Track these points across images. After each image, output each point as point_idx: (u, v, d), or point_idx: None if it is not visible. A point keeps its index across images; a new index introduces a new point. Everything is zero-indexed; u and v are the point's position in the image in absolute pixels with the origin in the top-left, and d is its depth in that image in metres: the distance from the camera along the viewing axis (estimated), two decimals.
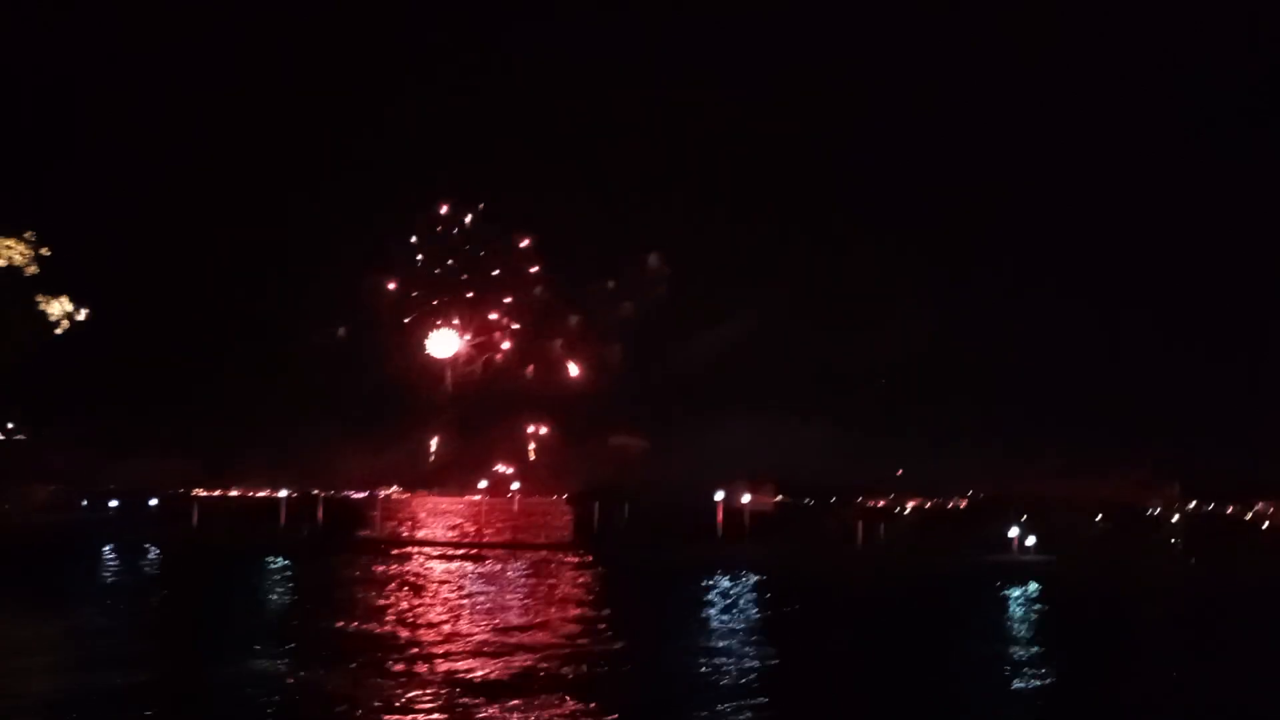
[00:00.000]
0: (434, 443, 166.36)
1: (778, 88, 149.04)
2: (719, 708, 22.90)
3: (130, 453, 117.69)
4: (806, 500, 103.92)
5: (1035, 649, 33.02)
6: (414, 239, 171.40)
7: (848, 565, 58.38)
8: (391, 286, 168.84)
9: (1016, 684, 27.11)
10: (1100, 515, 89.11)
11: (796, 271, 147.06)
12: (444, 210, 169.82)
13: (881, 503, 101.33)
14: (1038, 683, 27.44)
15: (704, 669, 27.31)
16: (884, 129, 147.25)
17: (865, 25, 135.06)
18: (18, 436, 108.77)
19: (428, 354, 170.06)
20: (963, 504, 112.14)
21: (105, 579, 51.18)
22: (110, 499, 77.03)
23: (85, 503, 79.15)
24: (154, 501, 75.03)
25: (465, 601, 41.20)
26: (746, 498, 70.37)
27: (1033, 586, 51.84)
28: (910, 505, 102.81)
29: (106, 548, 62.05)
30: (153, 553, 61.95)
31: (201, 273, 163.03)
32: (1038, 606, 45.63)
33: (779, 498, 79.15)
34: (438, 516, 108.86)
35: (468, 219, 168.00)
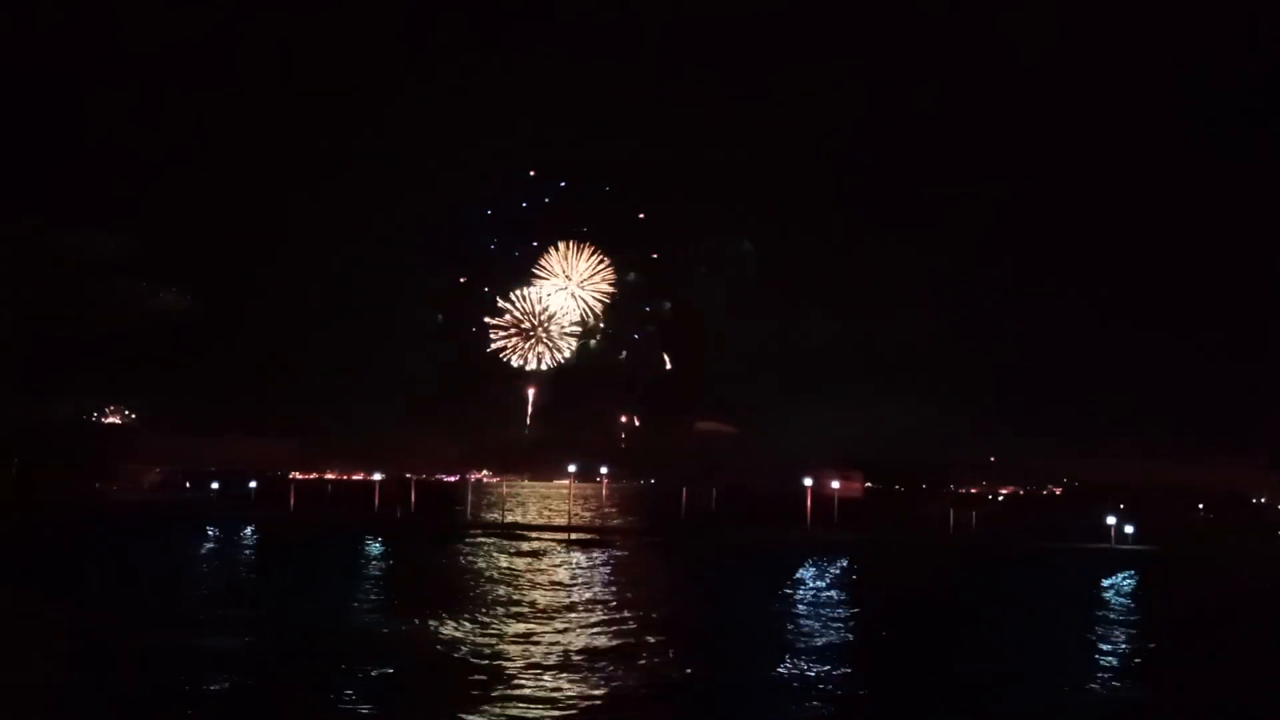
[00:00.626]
0: (525, 428, 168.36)
1: (859, 79, 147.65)
2: (808, 705, 22.81)
3: (233, 436, 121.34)
4: (896, 486, 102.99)
5: (1136, 645, 31.94)
6: (499, 224, 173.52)
7: (938, 553, 57.56)
8: (480, 278, 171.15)
9: (1116, 682, 26.27)
10: (1201, 504, 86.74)
11: (888, 255, 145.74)
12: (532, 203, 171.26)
13: (974, 489, 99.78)
14: (1138, 680, 26.58)
15: (792, 658, 27.11)
16: (964, 115, 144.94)
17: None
18: (131, 419, 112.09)
19: (519, 341, 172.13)
20: (1058, 491, 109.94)
21: (205, 558, 52.61)
22: (212, 481, 79.30)
23: (189, 484, 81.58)
24: (253, 484, 76.93)
25: (557, 585, 41.51)
26: (835, 484, 69.89)
27: (1131, 577, 50.55)
28: (1003, 492, 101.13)
29: (210, 528, 63.88)
30: (250, 533, 63.61)
31: (303, 262, 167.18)
32: (1137, 598, 44.39)
33: (867, 484, 78.48)
34: (527, 500, 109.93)
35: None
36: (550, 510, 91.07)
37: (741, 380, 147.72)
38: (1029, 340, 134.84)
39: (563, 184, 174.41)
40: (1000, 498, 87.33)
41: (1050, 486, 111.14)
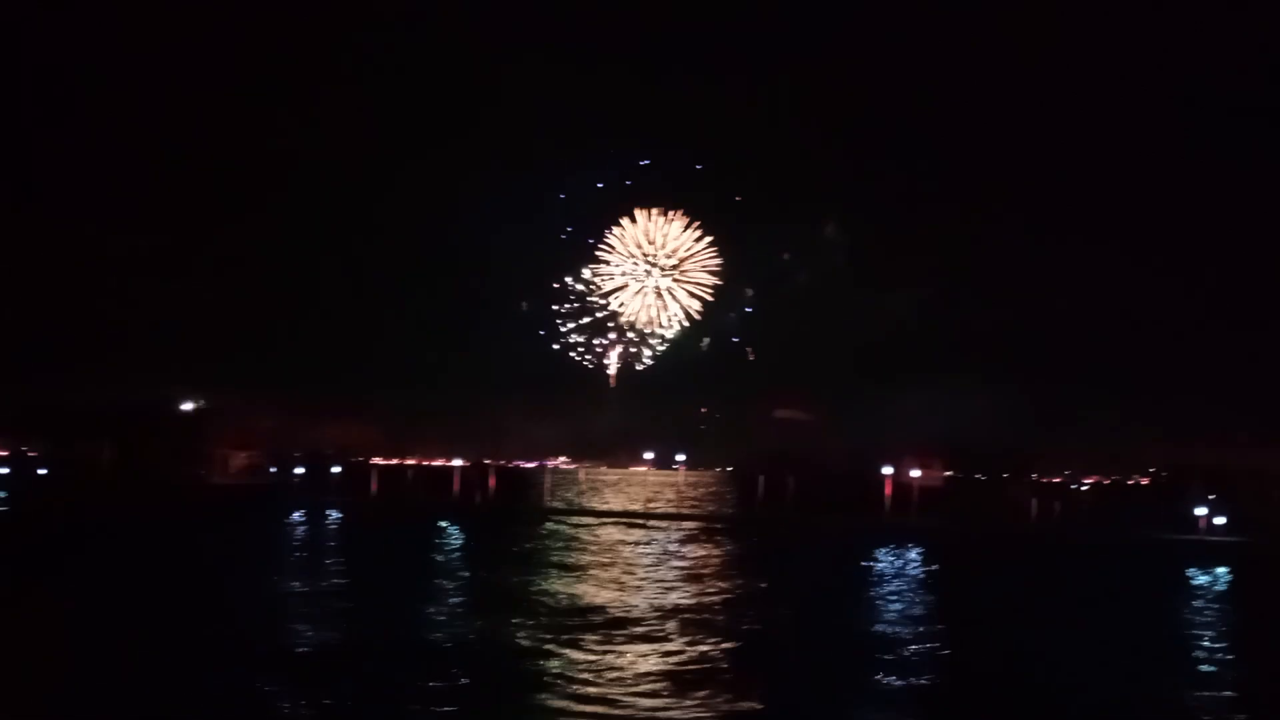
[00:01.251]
0: (605, 415, 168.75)
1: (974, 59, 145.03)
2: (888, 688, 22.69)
3: (319, 421, 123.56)
4: (977, 475, 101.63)
5: (1226, 643, 30.93)
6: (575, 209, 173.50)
7: (1019, 543, 56.70)
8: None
9: (1206, 686, 25.31)
10: None
11: (969, 238, 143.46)
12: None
13: (1057, 478, 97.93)
14: (1229, 684, 25.55)
15: (869, 649, 26.95)
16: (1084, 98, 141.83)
17: None
18: (219, 405, 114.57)
19: (603, 328, 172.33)
20: (1144, 480, 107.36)
21: (294, 541, 53.84)
22: (297, 465, 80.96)
23: (274, 469, 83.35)
24: (337, 468, 78.48)
25: (635, 570, 41.74)
26: (915, 472, 69.19)
27: (1223, 571, 49.23)
28: (1088, 481, 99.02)
29: (296, 512, 65.34)
30: (334, 517, 64.97)
31: (391, 249, 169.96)
32: (1229, 593, 43.25)
33: (948, 472, 77.48)
34: (605, 486, 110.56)
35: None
36: (627, 495, 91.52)
37: (821, 366, 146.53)
38: (1118, 325, 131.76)
39: (645, 162, 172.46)
40: (1085, 486, 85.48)
41: (1137, 475, 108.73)
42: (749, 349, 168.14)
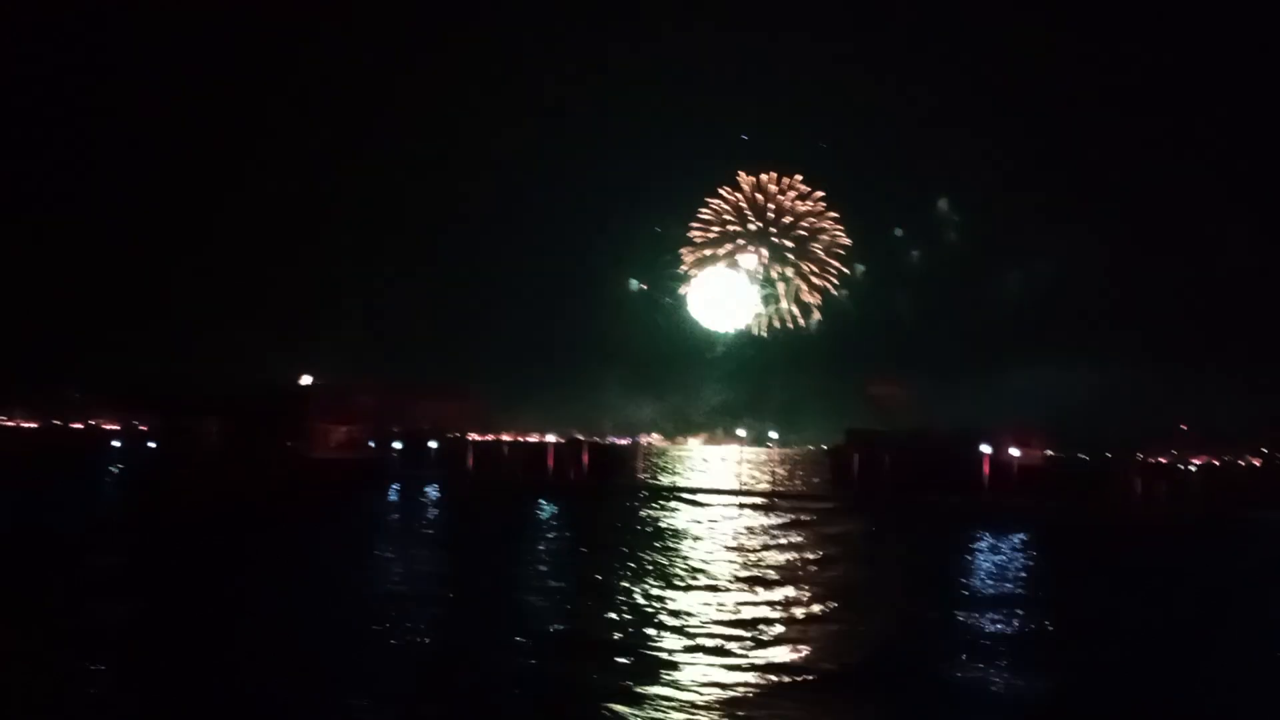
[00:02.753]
0: (704, 394, 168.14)
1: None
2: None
3: (418, 397, 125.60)
4: (1080, 455, 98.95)
5: None
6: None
7: (1123, 525, 55.18)
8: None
9: None
10: None
11: (1076, 213, 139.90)
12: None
13: (1163, 459, 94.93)
14: None
15: (962, 631, 26.47)
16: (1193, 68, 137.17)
17: None
18: (323, 382, 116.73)
19: (704, 306, 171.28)
20: (1257, 462, 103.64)
21: (396, 516, 54.84)
22: (394, 440, 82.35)
23: (372, 444, 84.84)
24: (433, 444, 79.66)
25: (723, 548, 41.62)
26: (1015, 451, 67.66)
27: None
28: (1196, 463, 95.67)
29: (393, 486, 66.57)
30: (432, 492, 66.00)
31: (491, 227, 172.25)
32: None
33: (1048, 451, 75.53)
34: (696, 463, 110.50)
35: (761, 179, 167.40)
36: (719, 472, 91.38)
37: (921, 342, 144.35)
38: (1227, 303, 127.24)
39: (744, 137, 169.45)
40: (1193, 468, 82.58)
41: (1249, 457, 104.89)
42: (853, 312, 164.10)
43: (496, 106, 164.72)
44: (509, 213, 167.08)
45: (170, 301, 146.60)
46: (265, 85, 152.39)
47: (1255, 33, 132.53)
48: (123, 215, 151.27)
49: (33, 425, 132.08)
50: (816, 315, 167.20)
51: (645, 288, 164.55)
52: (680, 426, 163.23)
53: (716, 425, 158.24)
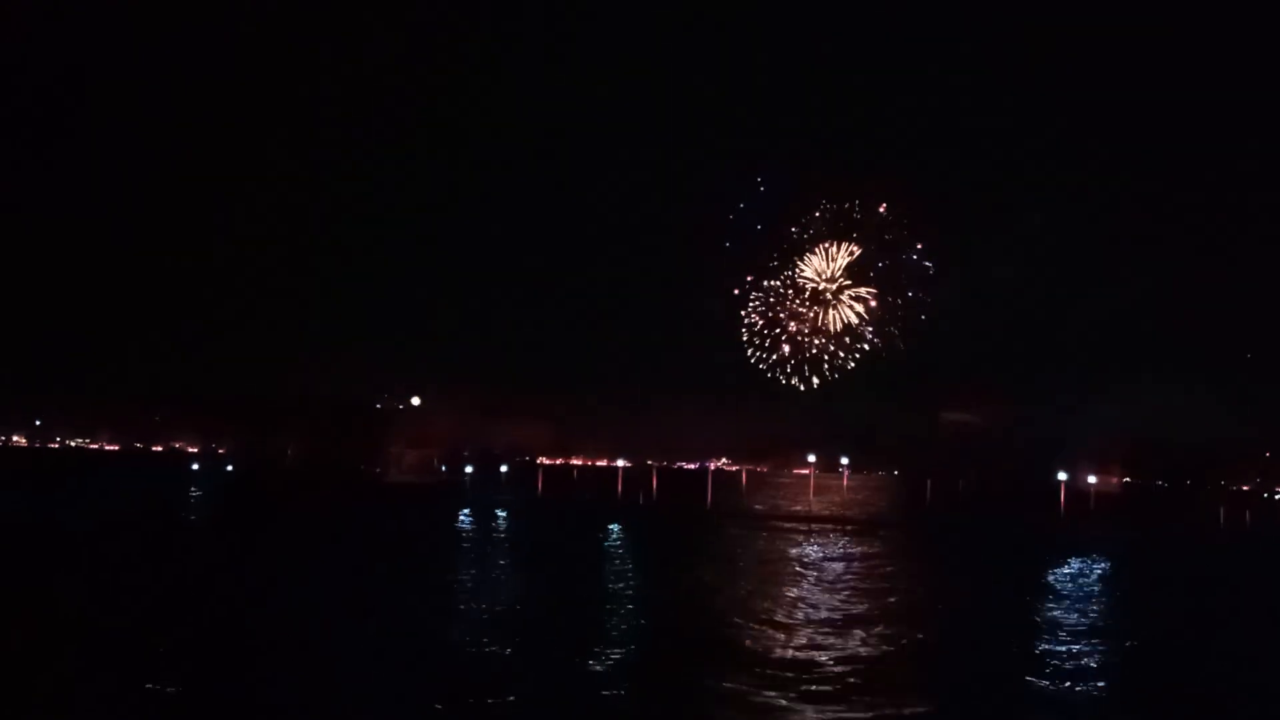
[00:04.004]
0: (770, 417, 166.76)
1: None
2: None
3: (491, 421, 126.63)
4: (1159, 481, 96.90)
5: None
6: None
7: (1203, 554, 53.81)
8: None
9: None
10: None
11: (1154, 233, 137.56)
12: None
13: (1246, 486, 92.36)
14: None
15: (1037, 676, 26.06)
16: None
17: None
18: (398, 404, 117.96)
19: (771, 331, 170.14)
20: None
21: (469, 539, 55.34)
22: (466, 464, 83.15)
23: (444, 468, 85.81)
24: (504, 468, 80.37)
25: (789, 572, 41.42)
26: (1092, 479, 66.51)
27: None
28: None
29: (464, 511, 67.11)
30: (502, 516, 66.51)
31: (569, 253, 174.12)
32: None
33: (1125, 478, 74.15)
34: (767, 489, 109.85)
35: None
36: (790, 500, 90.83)
37: (994, 369, 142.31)
38: None
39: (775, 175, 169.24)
40: (1278, 496, 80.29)
41: None
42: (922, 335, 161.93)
43: (574, 132, 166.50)
44: (590, 237, 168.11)
45: (248, 319, 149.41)
46: (324, 90, 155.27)
47: None
48: (199, 231, 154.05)
49: (114, 448, 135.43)
50: (901, 342, 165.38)
51: (719, 308, 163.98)
52: (750, 452, 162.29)
53: (787, 451, 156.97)
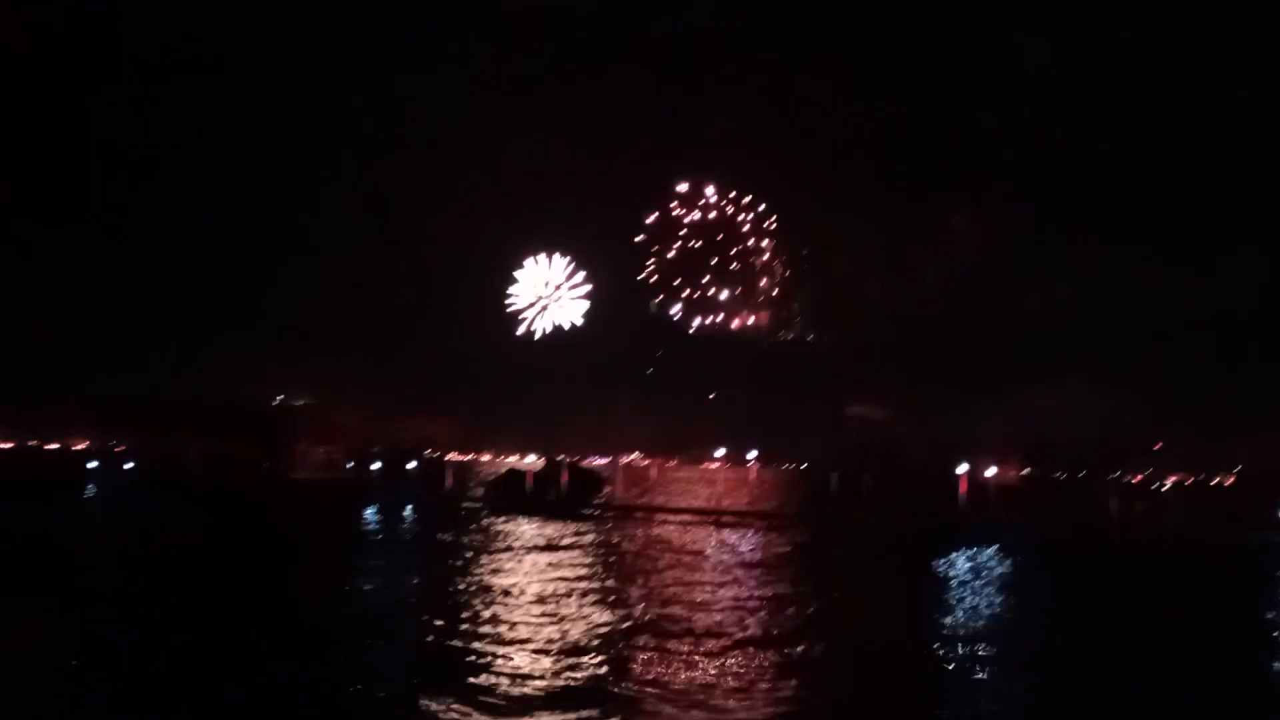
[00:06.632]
0: (680, 411, 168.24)
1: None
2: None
3: (399, 418, 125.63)
4: (1057, 473, 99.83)
5: None
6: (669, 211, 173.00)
7: (1100, 544, 55.56)
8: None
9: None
10: None
11: (1051, 229, 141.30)
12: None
13: (1139, 477, 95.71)
14: None
15: (937, 653, 26.66)
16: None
17: None
18: (302, 402, 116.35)
19: (674, 325, 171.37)
20: (1229, 480, 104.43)
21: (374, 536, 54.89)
22: (373, 461, 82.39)
23: (351, 464, 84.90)
24: (412, 464, 79.73)
25: (699, 567, 41.78)
26: (992, 470, 68.25)
27: None
28: (1171, 480, 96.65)
29: (370, 508, 66.54)
30: (409, 512, 66.06)
31: (466, 250, 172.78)
32: None
33: (1025, 470, 76.23)
34: (677, 484, 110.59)
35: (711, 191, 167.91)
36: (700, 492, 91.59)
37: (897, 363, 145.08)
38: (1200, 319, 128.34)
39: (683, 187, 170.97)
40: (1166, 486, 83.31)
41: (1222, 474, 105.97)
42: (818, 333, 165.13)
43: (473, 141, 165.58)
44: (489, 231, 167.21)
45: (149, 317, 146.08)
46: (253, 95, 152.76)
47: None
48: (98, 227, 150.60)
49: (7, 445, 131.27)
50: (811, 334, 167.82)
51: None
52: (660, 446, 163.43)
53: (696, 444, 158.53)
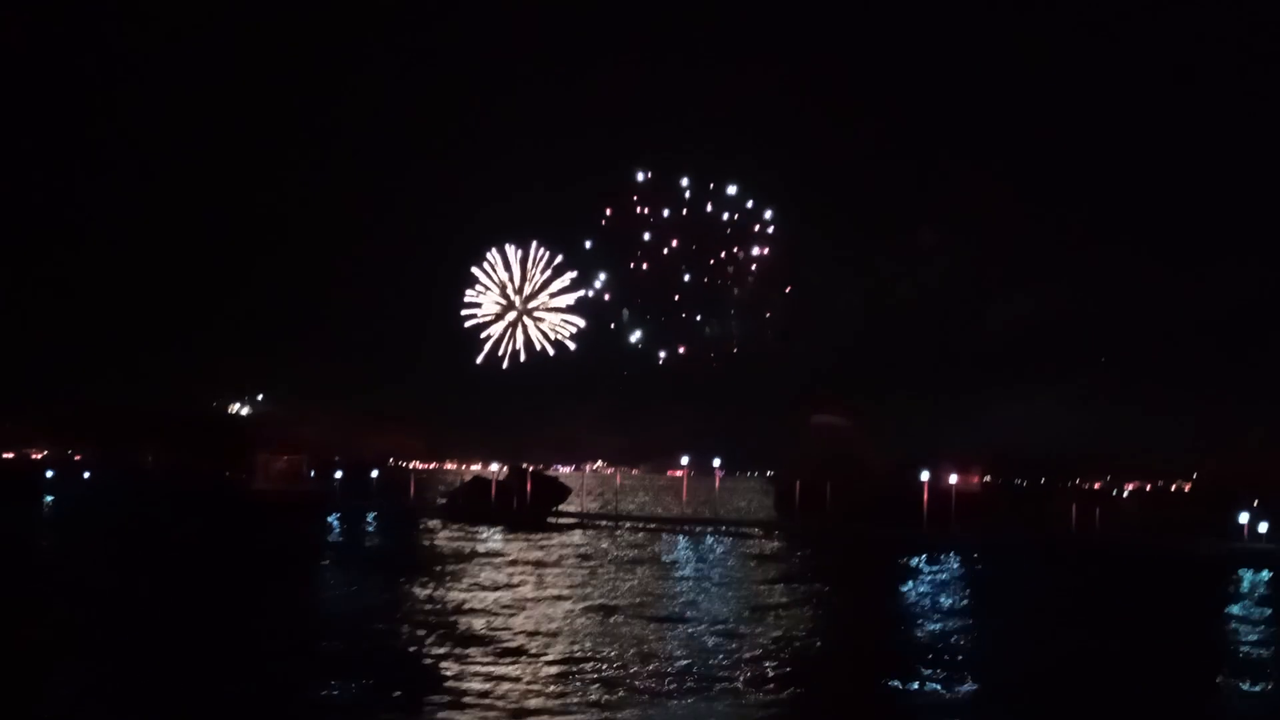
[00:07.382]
0: (645, 420, 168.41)
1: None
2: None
3: (362, 428, 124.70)
4: (1017, 480, 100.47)
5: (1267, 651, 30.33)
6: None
7: (1058, 550, 56.06)
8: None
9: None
10: None
11: (1010, 235, 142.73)
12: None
13: (1098, 484, 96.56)
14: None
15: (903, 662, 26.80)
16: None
17: None
18: (263, 411, 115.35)
19: (644, 333, 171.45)
20: (1186, 487, 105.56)
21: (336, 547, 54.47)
22: (336, 470, 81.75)
23: (313, 473, 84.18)
24: (375, 473, 79.21)
25: (657, 575, 41.79)
26: (953, 478, 68.53)
27: (1265, 576, 48.44)
28: (1129, 488, 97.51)
29: (332, 516, 66.10)
30: (370, 520, 65.68)
31: (431, 261, 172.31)
32: (1269, 600, 42.51)
33: (986, 478, 76.59)
34: (640, 492, 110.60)
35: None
36: (663, 501, 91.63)
37: (861, 373, 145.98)
38: (1158, 327, 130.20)
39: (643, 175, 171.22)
40: (1125, 493, 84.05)
41: (1180, 481, 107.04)
42: (784, 341, 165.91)
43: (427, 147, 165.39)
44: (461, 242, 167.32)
45: (107, 325, 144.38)
46: (211, 107, 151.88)
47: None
48: (55, 237, 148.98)
49: None
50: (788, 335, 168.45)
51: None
52: (625, 454, 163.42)
53: (661, 453, 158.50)
